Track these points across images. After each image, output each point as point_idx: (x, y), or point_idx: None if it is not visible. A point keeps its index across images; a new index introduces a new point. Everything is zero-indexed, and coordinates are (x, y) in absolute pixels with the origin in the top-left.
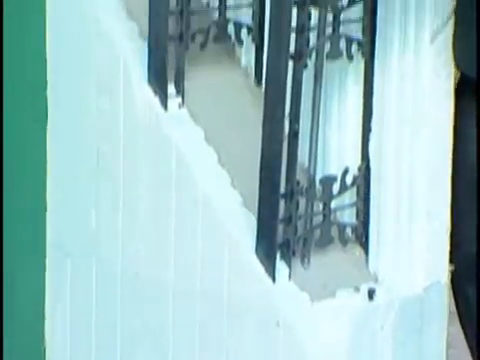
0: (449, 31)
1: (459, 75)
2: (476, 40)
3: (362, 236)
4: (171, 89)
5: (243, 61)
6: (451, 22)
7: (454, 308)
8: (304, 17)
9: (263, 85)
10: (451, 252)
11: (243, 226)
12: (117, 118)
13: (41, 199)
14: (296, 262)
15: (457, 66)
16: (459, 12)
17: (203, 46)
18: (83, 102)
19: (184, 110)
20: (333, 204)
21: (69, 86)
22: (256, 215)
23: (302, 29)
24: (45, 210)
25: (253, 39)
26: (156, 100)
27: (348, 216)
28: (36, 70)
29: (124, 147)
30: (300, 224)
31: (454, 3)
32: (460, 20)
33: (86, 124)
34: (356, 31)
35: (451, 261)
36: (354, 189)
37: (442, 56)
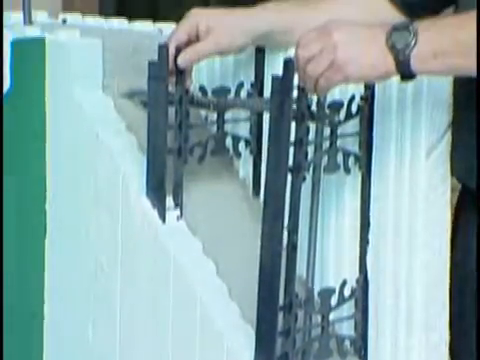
0: (446, 146)
1: (460, 187)
2: (476, 150)
3: (361, 349)
4: (169, 202)
5: (241, 173)
6: (447, 137)
7: None
8: (303, 132)
9: (261, 196)
10: None
11: (241, 339)
12: (115, 231)
13: (39, 311)
14: None
15: (457, 177)
16: (456, 123)
17: (201, 159)
18: (82, 215)
19: (182, 222)
20: (331, 316)
21: (68, 199)
22: (254, 327)
23: (301, 143)
24: (42, 320)
25: (251, 152)
26: (154, 212)
27: (346, 328)
28: (35, 184)
29: (122, 259)
30: (298, 337)
31: (450, 117)
32: (458, 131)
33: (84, 237)
34: (353, 145)
35: None
36: (352, 301)
37: (439, 170)
